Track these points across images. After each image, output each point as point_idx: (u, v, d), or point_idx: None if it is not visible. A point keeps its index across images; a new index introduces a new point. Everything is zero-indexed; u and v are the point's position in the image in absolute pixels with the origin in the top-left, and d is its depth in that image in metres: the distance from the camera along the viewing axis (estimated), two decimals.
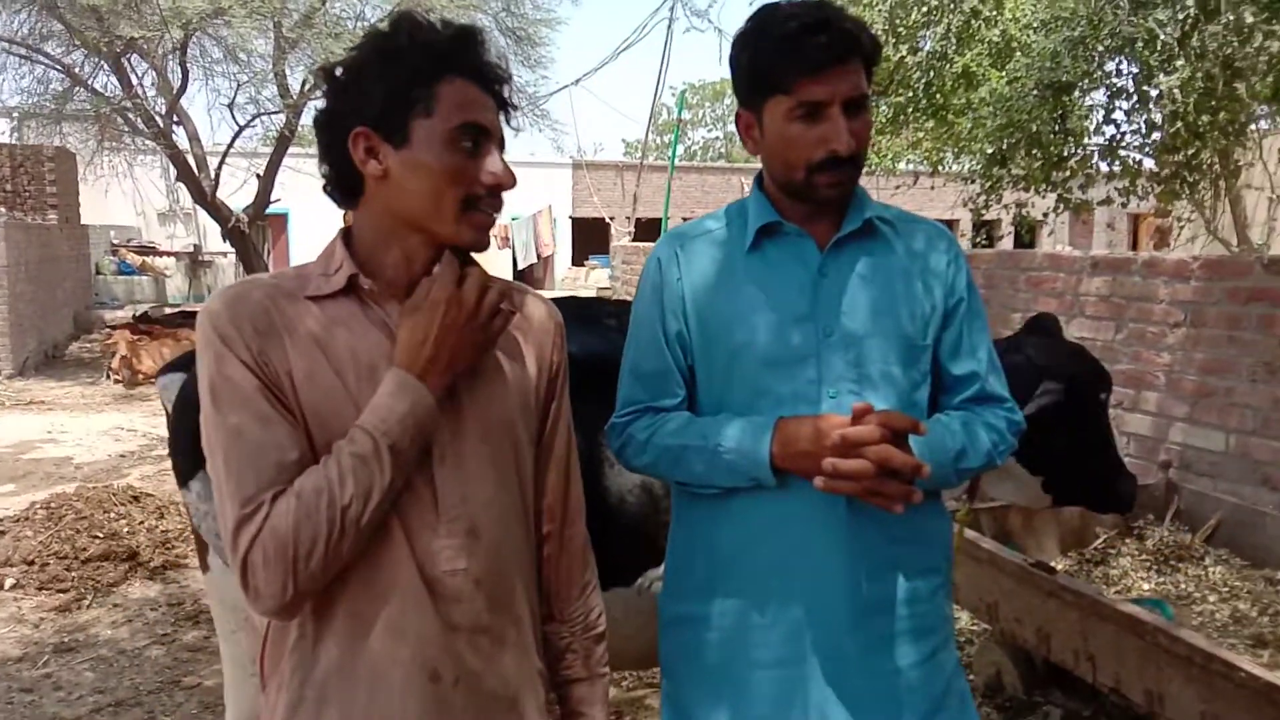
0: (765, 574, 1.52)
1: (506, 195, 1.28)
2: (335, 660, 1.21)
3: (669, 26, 14.10)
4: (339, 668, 1.21)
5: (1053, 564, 3.28)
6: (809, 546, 1.50)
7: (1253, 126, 7.42)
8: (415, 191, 1.21)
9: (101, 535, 4.76)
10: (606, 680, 1.48)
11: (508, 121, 1.29)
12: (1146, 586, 3.33)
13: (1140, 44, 6.38)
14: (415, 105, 1.20)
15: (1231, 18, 5.53)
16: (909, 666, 1.53)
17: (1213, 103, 6.15)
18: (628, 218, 16.84)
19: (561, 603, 1.44)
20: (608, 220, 21.28)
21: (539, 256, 22.73)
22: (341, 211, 1.32)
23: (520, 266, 23.18)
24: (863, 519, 1.48)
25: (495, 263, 21.29)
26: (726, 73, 1.63)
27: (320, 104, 1.27)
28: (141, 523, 4.98)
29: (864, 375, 1.50)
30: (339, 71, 1.24)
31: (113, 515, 4.97)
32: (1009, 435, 1.58)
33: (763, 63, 1.46)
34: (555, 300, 1.66)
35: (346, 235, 1.28)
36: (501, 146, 1.27)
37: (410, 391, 1.18)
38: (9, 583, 4.43)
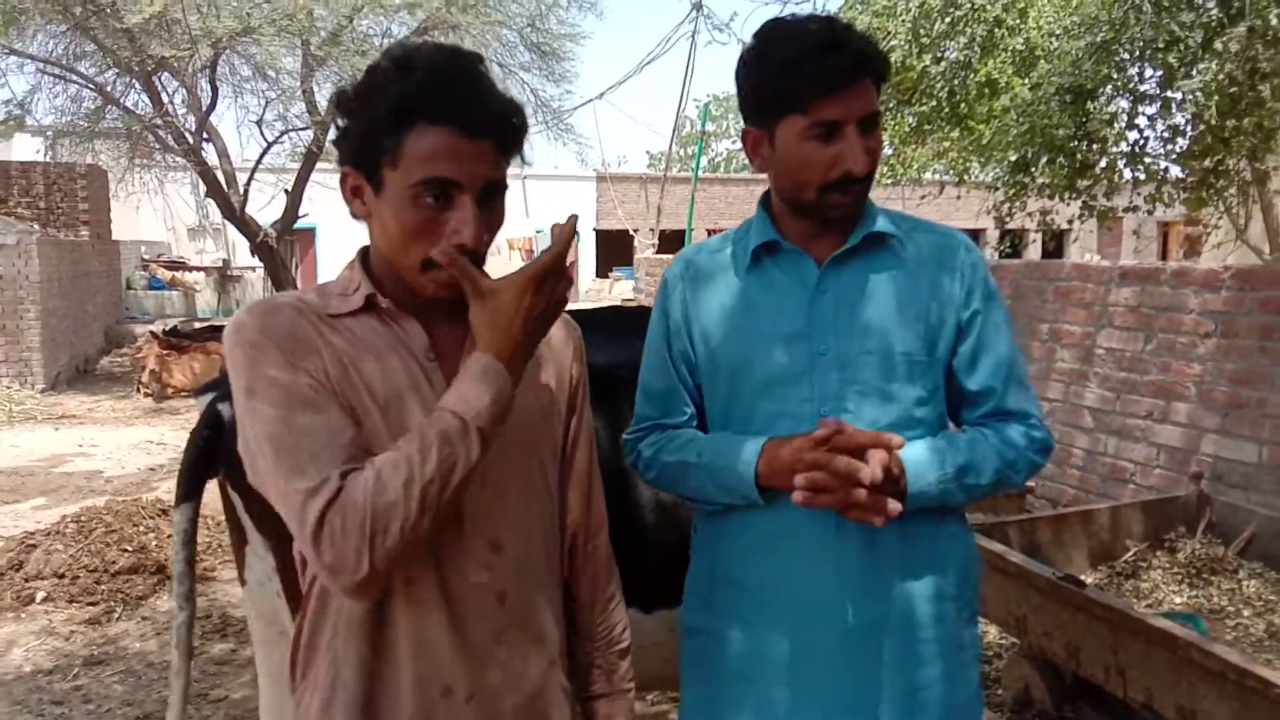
0: (760, 590, 1.53)
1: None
2: (366, 662, 1.21)
3: (693, 39, 14.11)
4: (368, 671, 1.21)
5: (1082, 577, 3.24)
6: (799, 564, 1.50)
7: None
8: (388, 239, 1.20)
9: (131, 548, 4.80)
10: (631, 696, 1.47)
11: (518, 156, 1.23)
12: (1178, 600, 3.28)
13: (1163, 47, 6.32)
14: (384, 154, 1.16)
15: (1258, 21, 5.47)
16: (900, 694, 1.49)
17: (1237, 107, 6.09)
18: (651, 229, 16.88)
19: (585, 617, 1.44)
20: (632, 232, 21.32)
21: None
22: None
23: None
24: (852, 539, 1.47)
25: None
26: None
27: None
28: (170, 536, 5.02)
29: (858, 393, 1.48)
30: (346, 96, 1.21)
31: (142, 528, 5.01)
32: (1029, 452, 1.52)
33: (777, 82, 1.43)
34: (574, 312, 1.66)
35: (364, 255, 1.29)
36: (492, 189, 1.20)
37: (497, 378, 1.15)
38: (40, 595, 4.49)
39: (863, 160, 1.43)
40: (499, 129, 1.18)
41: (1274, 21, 5.40)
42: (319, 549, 1.08)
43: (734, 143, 39.29)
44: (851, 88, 1.41)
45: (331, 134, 1.29)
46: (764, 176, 1.59)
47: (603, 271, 25.27)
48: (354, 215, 1.26)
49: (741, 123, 1.56)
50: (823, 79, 1.40)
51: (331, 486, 1.09)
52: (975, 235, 24.04)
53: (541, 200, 21.28)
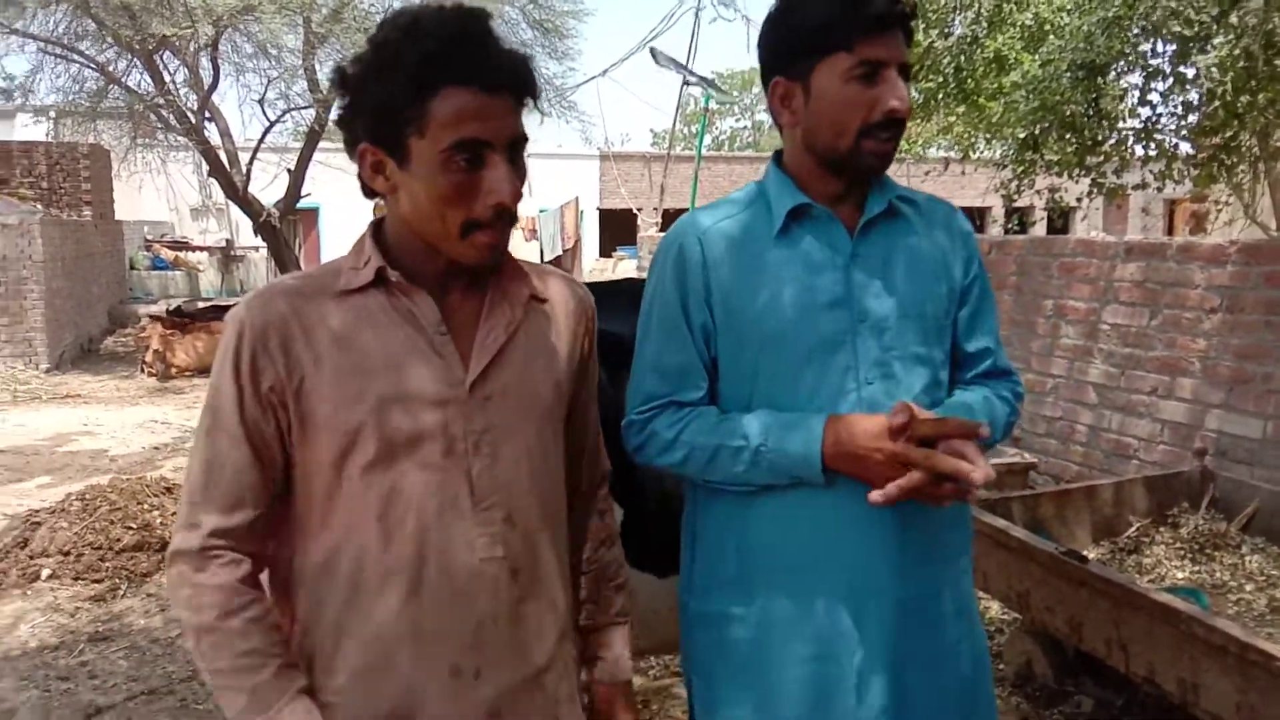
0: (804, 568, 1.48)
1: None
2: (362, 657, 1.20)
3: (696, 16, 14.03)
4: (366, 666, 1.20)
5: (1085, 553, 3.23)
6: (851, 538, 1.46)
7: None
8: (420, 211, 1.18)
9: (135, 526, 4.82)
10: (626, 627, 1.49)
11: (535, 105, 1.22)
12: (1181, 575, 3.27)
13: (1176, 22, 6.24)
14: (408, 125, 1.14)
15: None
16: (950, 646, 1.54)
17: (1252, 82, 6.02)
18: (655, 208, 16.82)
19: (581, 555, 1.46)
20: (635, 211, 21.27)
21: (564, 249, 22.79)
22: (372, 205, 1.31)
23: (548, 258, 23.25)
24: (905, 513, 1.44)
25: (523, 254, 21.32)
26: (754, 61, 1.59)
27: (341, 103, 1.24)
28: (174, 514, 5.02)
29: (896, 359, 1.48)
30: (349, 73, 1.19)
31: (146, 506, 5.03)
32: (1016, 406, 1.63)
33: (820, 20, 1.41)
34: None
35: (377, 227, 1.27)
36: (516, 144, 1.19)
37: None
38: (45, 573, 4.51)
39: (906, 100, 1.42)
40: (515, 81, 1.18)
41: None
42: (166, 570, 1.25)
43: (738, 120, 39.06)
44: (893, 31, 1.41)
45: (334, 114, 1.27)
46: (768, 154, 1.56)
47: (606, 251, 25.19)
48: (369, 195, 1.25)
49: (744, 101, 1.53)
50: (870, 15, 1.39)
51: (198, 536, 1.19)
52: (982, 213, 23.91)
53: (545, 179, 21.19)
